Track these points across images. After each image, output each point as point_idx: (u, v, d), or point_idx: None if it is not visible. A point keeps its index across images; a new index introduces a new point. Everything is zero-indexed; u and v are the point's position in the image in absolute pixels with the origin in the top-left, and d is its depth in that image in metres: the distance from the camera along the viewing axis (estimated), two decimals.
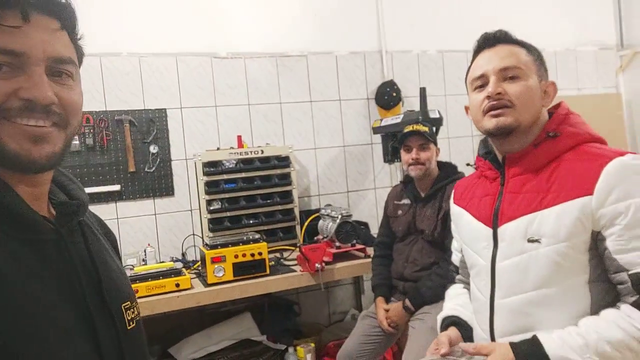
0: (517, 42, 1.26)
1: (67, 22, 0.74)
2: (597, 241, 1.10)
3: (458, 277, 1.54)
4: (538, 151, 1.20)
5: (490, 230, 1.24)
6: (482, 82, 1.24)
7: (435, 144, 2.41)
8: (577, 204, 1.09)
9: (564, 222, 1.10)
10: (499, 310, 1.22)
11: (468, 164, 1.57)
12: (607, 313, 1.06)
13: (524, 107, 1.19)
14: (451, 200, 1.48)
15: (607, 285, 1.11)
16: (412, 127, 2.38)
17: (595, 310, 1.10)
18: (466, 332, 1.36)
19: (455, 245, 1.53)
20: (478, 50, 1.29)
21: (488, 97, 1.20)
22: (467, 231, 1.36)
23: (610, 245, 1.07)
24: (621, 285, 1.07)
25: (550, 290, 1.13)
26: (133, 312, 0.83)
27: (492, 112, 1.20)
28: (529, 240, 1.15)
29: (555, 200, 1.13)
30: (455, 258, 1.54)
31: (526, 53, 1.24)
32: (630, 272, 1.04)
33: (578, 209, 1.09)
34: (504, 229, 1.20)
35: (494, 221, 1.24)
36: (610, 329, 1.03)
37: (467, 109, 1.36)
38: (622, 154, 1.11)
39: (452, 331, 1.36)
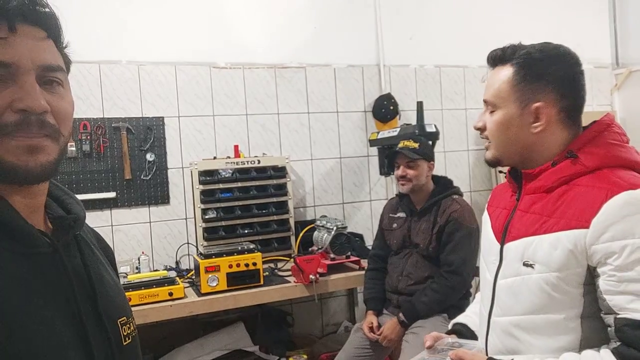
0: (513, 59, 1.14)
1: (53, 30, 0.74)
2: (593, 277, 1.03)
3: None
4: (554, 171, 1.12)
5: (498, 246, 1.21)
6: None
7: (428, 159, 2.42)
8: (571, 236, 1.03)
9: (557, 252, 1.04)
10: (494, 327, 1.20)
11: (500, 172, 1.55)
12: (587, 354, 1.00)
13: (499, 142, 1.17)
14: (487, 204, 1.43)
15: (602, 323, 1.03)
16: (403, 143, 2.40)
17: (585, 346, 1.04)
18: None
19: None
20: None
21: None
22: (484, 240, 1.32)
23: (601, 284, 1.00)
24: (609, 328, 1.00)
25: (538, 318, 1.08)
26: (129, 328, 0.82)
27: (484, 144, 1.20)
28: (524, 264, 1.10)
29: (554, 227, 1.06)
30: None
31: (512, 75, 1.14)
32: (617, 316, 0.97)
33: (571, 241, 1.02)
34: (508, 247, 1.17)
35: (502, 237, 1.20)
36: None
37: None
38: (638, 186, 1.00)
39: (451, 338, 1.32)
